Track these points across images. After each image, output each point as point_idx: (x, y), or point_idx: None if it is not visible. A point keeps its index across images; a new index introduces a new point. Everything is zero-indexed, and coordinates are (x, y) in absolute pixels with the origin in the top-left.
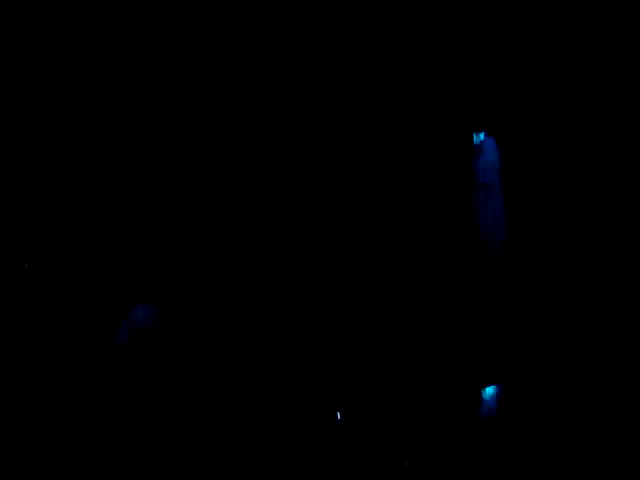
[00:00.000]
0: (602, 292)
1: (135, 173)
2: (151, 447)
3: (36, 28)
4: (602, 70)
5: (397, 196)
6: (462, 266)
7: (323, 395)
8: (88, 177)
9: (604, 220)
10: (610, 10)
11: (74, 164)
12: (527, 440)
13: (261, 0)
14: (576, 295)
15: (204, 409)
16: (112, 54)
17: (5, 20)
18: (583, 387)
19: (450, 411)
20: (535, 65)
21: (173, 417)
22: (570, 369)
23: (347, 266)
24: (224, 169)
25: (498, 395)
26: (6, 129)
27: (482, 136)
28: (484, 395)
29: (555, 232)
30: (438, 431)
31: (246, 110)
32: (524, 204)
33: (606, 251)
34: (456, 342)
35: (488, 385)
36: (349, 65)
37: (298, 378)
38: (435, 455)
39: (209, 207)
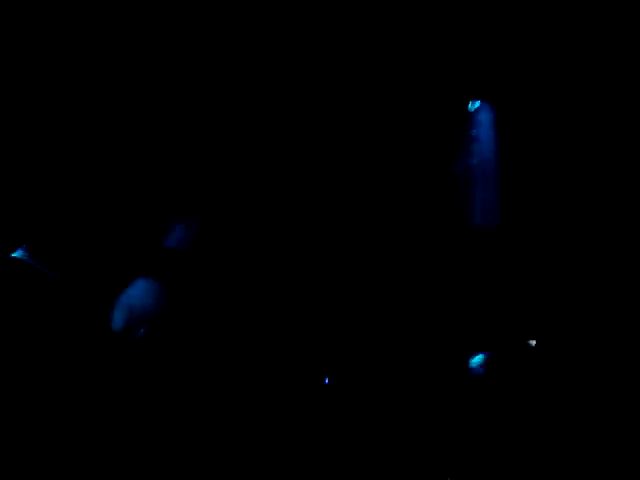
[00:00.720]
0: (597, 274)
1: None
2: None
3: (36, 28)
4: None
5: (385, 170)
6: (453, 244)
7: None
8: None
9: (607, 199)
10: None
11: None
12: (515, 406)
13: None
14: (570, 277)
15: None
16: (112, 54)
17: (5, 20)
18: (570, 357)
19: (438, 378)
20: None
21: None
22: (557, 342)
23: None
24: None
25: (486, 363)
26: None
27: (477, 104)
28: (472, 363)
29: (553, 214)
30: (425, 397)
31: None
32: (522, 184)
33: (606, 235)
34: (445, 315)
35: (476, 353)
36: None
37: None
38: (422, 422)
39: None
